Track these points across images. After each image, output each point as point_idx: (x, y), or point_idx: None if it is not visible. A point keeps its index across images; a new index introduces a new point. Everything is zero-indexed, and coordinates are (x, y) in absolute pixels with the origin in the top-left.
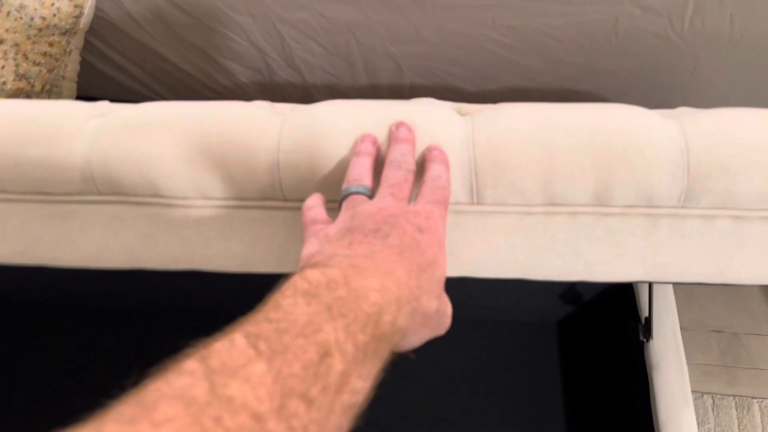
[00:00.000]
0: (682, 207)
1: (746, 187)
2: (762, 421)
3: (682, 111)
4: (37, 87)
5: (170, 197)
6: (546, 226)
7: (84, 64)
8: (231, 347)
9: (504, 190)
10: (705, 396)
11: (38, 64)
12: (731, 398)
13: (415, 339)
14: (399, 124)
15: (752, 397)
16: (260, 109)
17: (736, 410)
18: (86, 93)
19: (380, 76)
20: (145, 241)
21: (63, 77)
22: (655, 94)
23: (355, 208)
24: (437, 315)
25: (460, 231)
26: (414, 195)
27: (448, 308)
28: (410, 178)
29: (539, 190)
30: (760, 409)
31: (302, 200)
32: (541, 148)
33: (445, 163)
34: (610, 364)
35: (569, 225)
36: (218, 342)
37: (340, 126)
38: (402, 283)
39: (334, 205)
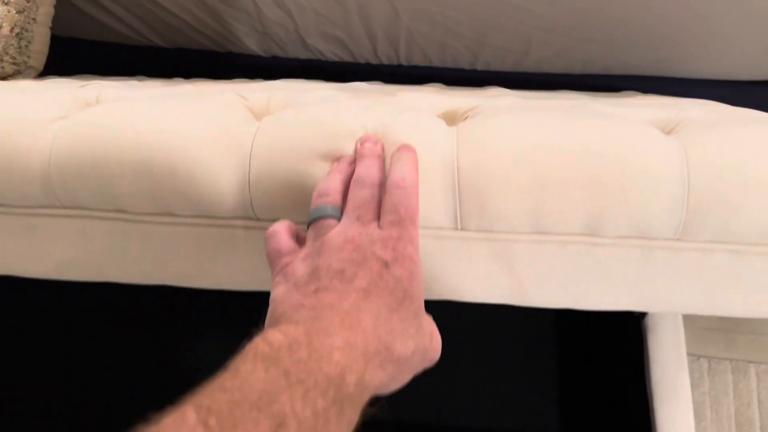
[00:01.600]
0: (678, 240)
1: (749, 223)
2: (758, 386)
3: (688, 118)
4: (5, 30)
5: (134, 213)
6: (533, 256)
7: (65, 3)
8: (181, 425)
9: (489, 219)
10: (701, 359)
11: (6, 4)
12: (728, 362)
13: (394, 384)
14: (364, 140)
15: (749, 362)
16: (230, 117)
17: (732, 374)
18: (68, 34)
19: (375, 21)
20: (113, 256)
21: (34, 20)
22: (664, 46)
23: (322, 238)
24: (417, 353)
25: (442, 256)
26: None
27: (432, 341)
28: (376, 192)
29: (527, 219)
30: (757, 374)
31: (276, 220)
32: (530, 179)
33: (413, 161)
34: (604, 324)
35: (558, 254)
36: (169, 417)
37: (313, 143)
38: (369, 334)
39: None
